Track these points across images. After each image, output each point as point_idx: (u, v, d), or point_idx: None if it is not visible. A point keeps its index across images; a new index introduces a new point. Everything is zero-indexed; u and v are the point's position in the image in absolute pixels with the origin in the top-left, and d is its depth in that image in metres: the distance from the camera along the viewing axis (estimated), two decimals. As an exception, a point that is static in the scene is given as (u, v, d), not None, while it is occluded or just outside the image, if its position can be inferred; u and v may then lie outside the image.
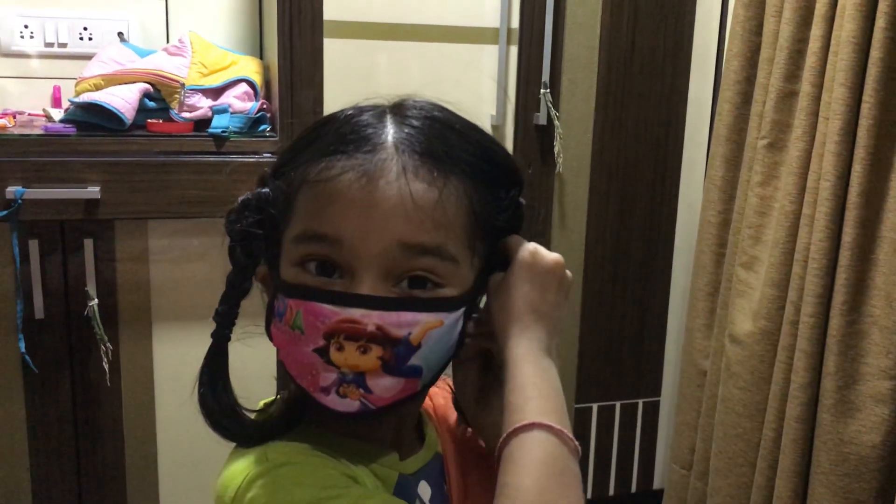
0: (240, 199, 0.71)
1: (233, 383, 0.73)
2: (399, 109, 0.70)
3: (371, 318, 0.64)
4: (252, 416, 0.74)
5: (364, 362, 0.65)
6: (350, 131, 0.68)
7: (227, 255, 0.72)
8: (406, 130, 0.68)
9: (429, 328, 0.66)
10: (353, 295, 0.65)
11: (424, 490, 0.76)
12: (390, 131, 0.68)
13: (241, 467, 0.67)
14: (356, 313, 0.64)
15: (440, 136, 0.69)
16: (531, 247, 0.72)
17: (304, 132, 0.71)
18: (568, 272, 0.73)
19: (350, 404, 0.66)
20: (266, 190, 0.71)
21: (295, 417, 0.72)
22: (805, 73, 1.64)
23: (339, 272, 0.66)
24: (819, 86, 1.62)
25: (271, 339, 0.71)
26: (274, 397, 0.77)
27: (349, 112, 0.70)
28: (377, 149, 0.66)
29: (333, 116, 0.71)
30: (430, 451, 0.78)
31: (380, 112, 0.70)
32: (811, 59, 1.62)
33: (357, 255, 0.65)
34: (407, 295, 0.66)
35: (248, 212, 0.70)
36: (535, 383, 0.66)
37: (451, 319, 0.68)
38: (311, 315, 0.65)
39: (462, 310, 0.70)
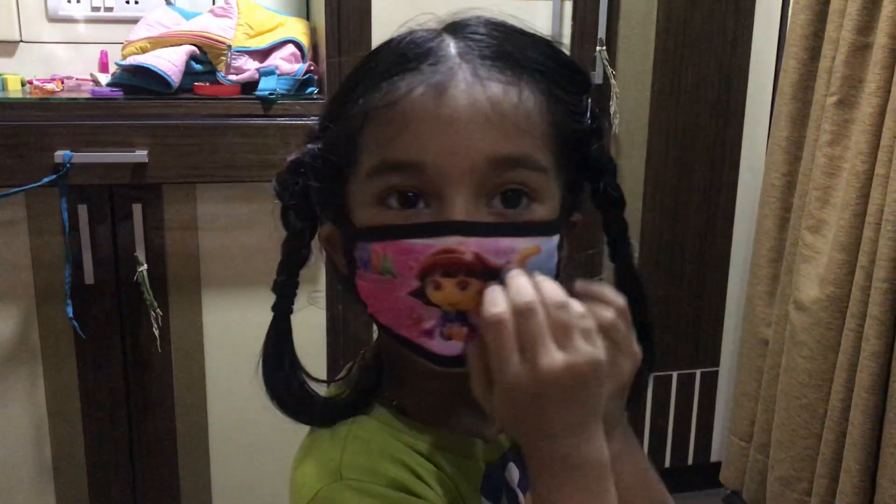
0: (289, 159, 0.66)
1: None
2: (456, 24, 0.64)
3: (468, 246, 0.57)
4: (325, 389, 0.70)
5: (465, 299, 0.58)
6: (407, 49, 0.61)
7: (278, 221, 0.67)
8: (469, 40, 0.62)
9: (526, 255, 0.59)
10: (446, 222, 0.58)
11: (513, 473, 0.70)
12: (451, 42, 0.61)
13: (316, 473, 0.63)
14: (451, 241, 0.57)
15: (507, 37, 0.62)
16: (530, 372, 0.55)
17: (354, 69, 0.65)
18: (597, 368, 0.56)
19: (455, 346, 0.60)
20: (313, 146, 0.65)
21: (371, 393, 0.67)
22: (880, 24, 1.55)
23: (423, 200, 0.59)
24: (895, 37, 1.52)
25: (356, 295, 0.63)
26: (356, 360, 0.71)
27: (402, 34, 0.64)
28: (441, 60, 0.60)
29: (385, 43, 0.65)
30: None
31: (435, 31, 0.63)
32: (888, 9, 1.53)
33: (444, 177, 0.58)
34: (503, 218, 0.59)
35: (303, 169, 0.65)
36: None
37: (549, 246, 0.60)
38: (402, 255, 0.58)
39: (558, 235, 0.62)
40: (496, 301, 0.55)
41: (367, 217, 0.61)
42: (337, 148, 0.64)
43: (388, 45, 0.64)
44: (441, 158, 0.58)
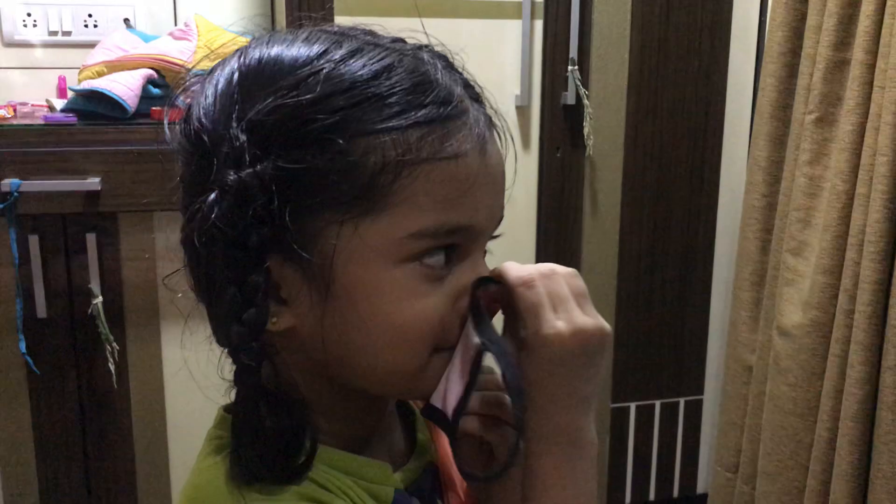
0: (230, 179, 0.52)
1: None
2: (442, 56, 0.58)
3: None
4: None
5: None
6: (421, 82, 0.54)
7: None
8: (463, 81, 0.58)
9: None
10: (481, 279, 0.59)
11: None
12: (447, 76, 0.56)
13: (214, 499, 0.57)
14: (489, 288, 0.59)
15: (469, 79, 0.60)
16: (568, 326, 0.56)
17: (351, 86, 0.54)
18: (602, 334, 0.57)
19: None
20: (267, 166, 0.53)
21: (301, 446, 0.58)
22: (857, 40, 1.51)
23: (449, 257, 0.56)
24: (873, 53, 1.48)
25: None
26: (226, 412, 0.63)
27: (393, 57, 0.55)
28: (460, 104, 0.55)
29: (395, 67, 0.54)
30: (421, 460, 0.67)
31: (428, 60, 0.57)
32: (864, 24, 1.48)
33: (481, 238, 0.58)
34: None
35: (251, 198, 0.53)
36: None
37: None
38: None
39: None
40: (521, 268, 0.57)
41: (385, 280, 0.54)
42: (340, 178, 0.53)
43: (400, 70, 0.55)
44: (485, 222, 0.58)
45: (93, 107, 1.59)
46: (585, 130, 1.80)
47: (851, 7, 1.53)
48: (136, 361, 1.64)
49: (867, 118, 1.49)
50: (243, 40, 1.94)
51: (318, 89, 0.53)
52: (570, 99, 1.79)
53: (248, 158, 0.53)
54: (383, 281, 0.54)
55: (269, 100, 0.54)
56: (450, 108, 0.54)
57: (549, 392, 0.57)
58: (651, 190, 1.91)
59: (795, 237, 1.66)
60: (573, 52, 1.78)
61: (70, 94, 1.68)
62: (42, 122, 1.58)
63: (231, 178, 0.53)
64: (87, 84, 1.60)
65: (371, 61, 0.54)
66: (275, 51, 0.56)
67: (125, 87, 1.59)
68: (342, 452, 0.61)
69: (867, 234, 1.46)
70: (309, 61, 0.55)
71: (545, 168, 1.84)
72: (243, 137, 0.53)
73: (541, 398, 0.57)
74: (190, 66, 1.64)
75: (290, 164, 0.53)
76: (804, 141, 1.63)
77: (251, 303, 0.54)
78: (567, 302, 0.56)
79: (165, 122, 0.60)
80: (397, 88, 0.54)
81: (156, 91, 1.65)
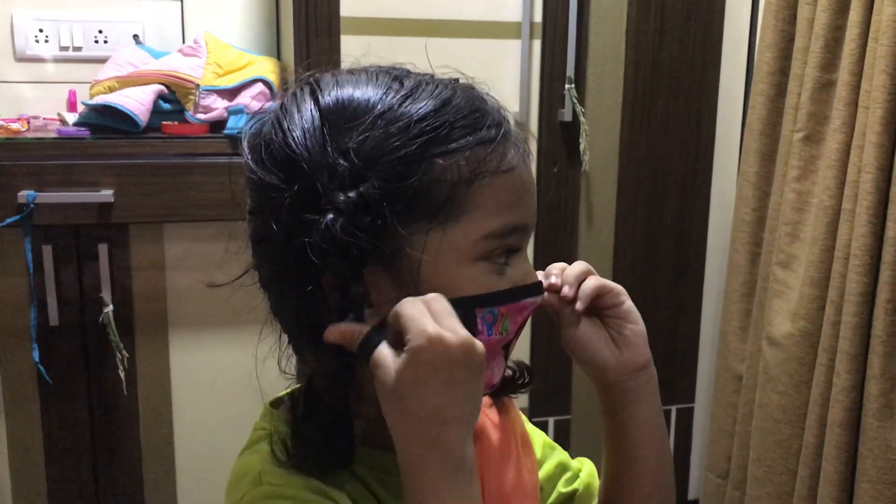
0: (341, 200, 0.60)
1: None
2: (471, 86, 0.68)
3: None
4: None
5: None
6: (477, 108, 0.64)
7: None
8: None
9: None
10: (539, 283, 0.69)
11: None
12: (492, 102, 0.67)
13: (242, 480, 0.67)
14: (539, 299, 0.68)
15: None
16: (430, 329, 0.57)
17: (427, 114, 0.62)
18: (478, 348, 0.58)
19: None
20: (377, 183, 0.61)
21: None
22: (843, 62, 1.57)
23: (506, 254, 0.66)
24: (858, 74, 1.54)
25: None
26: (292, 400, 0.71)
27: (449, 90, 0.64)
28: (504, 123, 0.65)
29: (453, 97, 0.63)
30: None
31: (452, 82, 0.66)
32: (849, 47, 1.54)
33: (528, 237, 0.67)
34: None
35: (368, 207, 0.61)
36: None
37: None
38: (518, 312, 0.66)
39: None
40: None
41: (471, 275, 0.63)
42: (426, 193, 0.62)
43: (457, 100, 0.64)
44: (532, 222, 0.67)
45: (105, 121, 1.64)
46: (581, 146, 1.86)
47: (837, 31, 1.59)
48: (144, 369, 1.68)
49: (852, 136, 1.55)
50: (252, 57, 1.98)
51: (399, 121, 0.62)
52: (566, 116, 1.84)
53: (349, 183, 0.61)
54: (463, 277, 0.63)
55: (361, 132, 0.62)
56: (502, 129, 0.64)
57: (435, 404, 0.58)
58: (644, 203, 1.97)
59: (784, 250, 1.71)
60: (570, 70, 1.83)
61: (82, 108, 1.72)
62: (56, 135, 1.63)
63: (342, 198, 0.60)
64: (100, 99, 1.65)
65: (432, 95, 0.63)
66: (348, 91, 0.64)
67: (136, 101, 1.63)
68: (368, 449, 0.67)
69: (853, 248, 1.52)
70: (382, 98, 0.63)
71: (542, 182, 1.89)
72: (345, 164, 0.61)
73: (426, 412, 0.58)
74: (200, 82, 1.69)
75: (387, 184, 0.61)
76: (792, 158, 1.69)
77: (352, 307, 0.61)
78: (441, 317, 0.58)
79: (244, 146, 0.67)
80: (460, 115, 0.63)
81: (166, 106, 1.70)
